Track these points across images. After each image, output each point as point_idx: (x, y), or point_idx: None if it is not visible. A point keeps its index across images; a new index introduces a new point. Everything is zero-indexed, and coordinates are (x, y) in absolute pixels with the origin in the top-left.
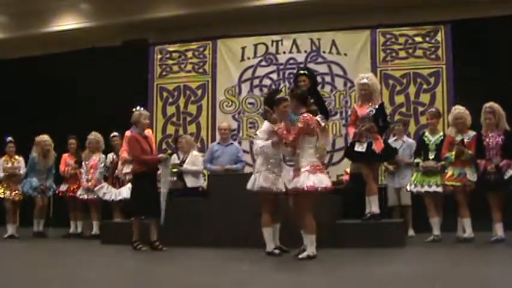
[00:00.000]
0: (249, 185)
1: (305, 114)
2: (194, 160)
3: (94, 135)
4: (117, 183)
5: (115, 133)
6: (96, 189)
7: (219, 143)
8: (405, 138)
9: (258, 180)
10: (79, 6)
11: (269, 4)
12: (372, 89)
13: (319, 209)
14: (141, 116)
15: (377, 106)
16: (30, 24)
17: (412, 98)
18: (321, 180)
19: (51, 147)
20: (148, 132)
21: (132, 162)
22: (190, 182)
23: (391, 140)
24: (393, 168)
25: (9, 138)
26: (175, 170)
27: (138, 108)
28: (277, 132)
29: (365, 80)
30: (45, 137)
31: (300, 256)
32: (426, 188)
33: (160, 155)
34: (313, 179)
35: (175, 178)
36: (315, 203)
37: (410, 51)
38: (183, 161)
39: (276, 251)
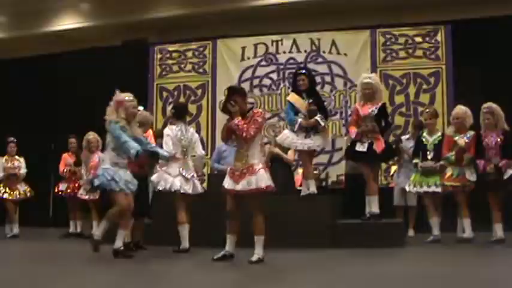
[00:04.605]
0: (161, 186)
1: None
2: None
3: (93, 136)
4: None
5: None
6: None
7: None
8: None
9: (177, 183)
10: (79, 6)
11: (269, 4)
12: (375, 88)
13: (319, 209)
14: None
15: (379, 106)
16: (30, 24)
17: (412, 98)
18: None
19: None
20: (148, 133)
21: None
22: None
23: (403, 138)
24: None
25: (11, 138)
26: None
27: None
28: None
29: (369, 80)
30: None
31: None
32: (425, 189)
33: None
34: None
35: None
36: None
37: (410, 51)
38: None
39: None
